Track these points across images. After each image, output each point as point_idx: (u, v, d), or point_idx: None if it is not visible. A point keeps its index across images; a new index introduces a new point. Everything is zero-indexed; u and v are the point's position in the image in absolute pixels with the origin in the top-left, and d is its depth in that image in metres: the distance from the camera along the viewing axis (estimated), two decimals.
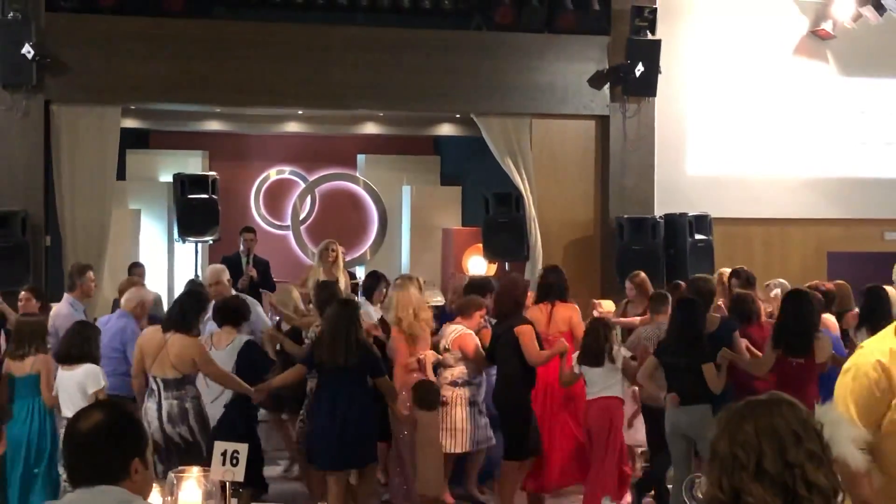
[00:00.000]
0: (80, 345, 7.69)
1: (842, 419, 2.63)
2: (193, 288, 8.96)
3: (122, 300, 9.15)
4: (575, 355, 8.53)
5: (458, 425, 8.55)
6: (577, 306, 9.53)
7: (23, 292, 9.50)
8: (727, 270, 10.65)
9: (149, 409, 7.60)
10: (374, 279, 10.20)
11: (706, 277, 9.58)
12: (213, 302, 8.93)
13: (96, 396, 7.39)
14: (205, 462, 7.10)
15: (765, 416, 2.54)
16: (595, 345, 8.33)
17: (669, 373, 8.06)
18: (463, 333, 8.61)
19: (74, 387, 7.53)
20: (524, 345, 8.19)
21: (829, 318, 9.21)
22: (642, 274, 10.46)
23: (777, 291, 10.26)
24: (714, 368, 7.91)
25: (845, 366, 3.68)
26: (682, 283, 10.33)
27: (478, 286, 9.45)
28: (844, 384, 3.58)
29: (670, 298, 9.33)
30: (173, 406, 7.57)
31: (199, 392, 7.80)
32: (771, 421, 2.52)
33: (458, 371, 8.60)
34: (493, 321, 8.91)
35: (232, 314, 8.31)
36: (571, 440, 8.87)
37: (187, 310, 7.82)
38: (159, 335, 7.71)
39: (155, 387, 7.64)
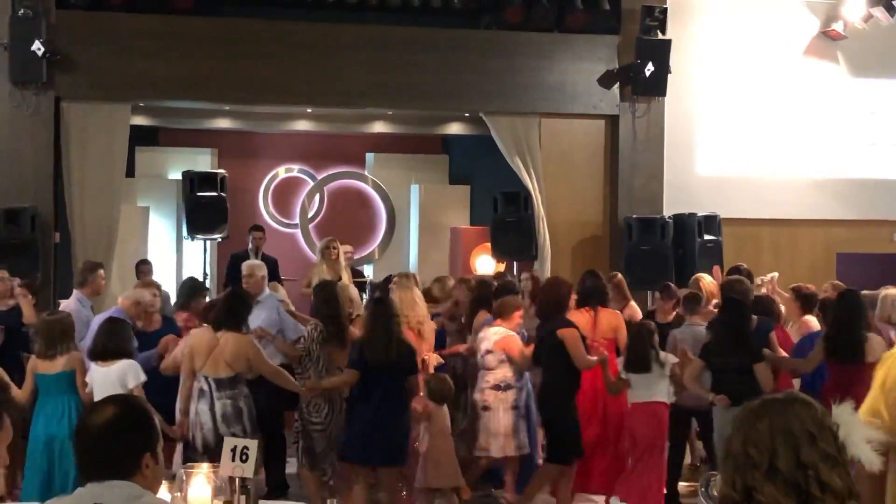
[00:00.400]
0: (115, 341, 7.73)
1: (858, 420, 2.60)
2: (236, 288, 8.91)
3: (119, 298, 9.14)
4: (620, 360, 8.49)
5: (502, 430, 8.44)
6: (619, 313, 9.52)
7: (17, 287, 9.48)
8: (705, 276, 10.63)
9: (201, 411, 7.61)
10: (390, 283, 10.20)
11: (740, 279, 9.60)
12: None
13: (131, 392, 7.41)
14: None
15: (779, 414, 2.52)
16: (641, 350, 8.26)
17: (718, 374, 8.01)
18: (507, 335, 8.50)
19: (114, 383, 7.50)
20: (570, 348, 8.13)
21: (811, 320, 9.41)
22: (619, 275, 10.49)
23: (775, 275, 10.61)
24: (766, 368, 7.93)
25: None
26: (672, 284, 10.27)
27: (507, 289, 9.45)
28: (878, 375, 3.66)
29: (703, 299, 9.35)
30: (227, 406, 7.59)
31: (249, 391, 7.79)
32: (785, 420, 2.50)
33: (501, 374, 8.47)
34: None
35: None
36: (611, 445, 8.91)
37: (236, 308, 7.85)
38: (209, 335, 7.72)
39: (206, 387, 7.64)
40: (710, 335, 8.34)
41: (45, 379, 7.82)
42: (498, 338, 8.47)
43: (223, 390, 7.61)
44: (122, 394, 5.67)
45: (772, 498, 2.47)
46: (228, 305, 7.91)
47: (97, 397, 7.40)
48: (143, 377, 7.66)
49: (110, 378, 7.55)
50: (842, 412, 2.57)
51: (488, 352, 8.47)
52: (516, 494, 8.79)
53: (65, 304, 9.42)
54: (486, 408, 8.43)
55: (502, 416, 8.42)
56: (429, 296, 9.50)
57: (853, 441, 2.55)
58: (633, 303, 10.26)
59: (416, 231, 15.87)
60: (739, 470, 2.51)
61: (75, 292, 9.50)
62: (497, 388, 8.45)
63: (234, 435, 7.30)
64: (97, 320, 8.68)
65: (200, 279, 12.93)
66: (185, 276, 12.81)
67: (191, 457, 7.56)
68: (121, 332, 7.81)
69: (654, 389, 8.20)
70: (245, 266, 9.88)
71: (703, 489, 4.32)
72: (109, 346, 7.71)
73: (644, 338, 8.31)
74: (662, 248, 12.72)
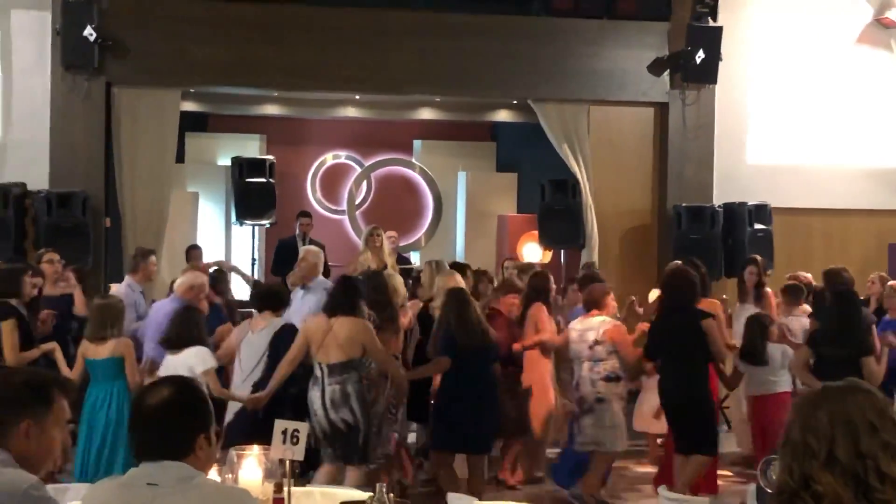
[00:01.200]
0: (187, 329, 7.75)
1: None
2: (347, 275, 8.94)
3: (175, 284, 9.18)
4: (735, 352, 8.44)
5: (618, 421, 8.32)
6: (718, 301, 9.49)
7: (69, 274, 9.50)
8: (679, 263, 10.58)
9: (313, 398, 7.58)
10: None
11: (844, 267, 9.58)
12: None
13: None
14: (364, 446, 7.39)
15: (839, 403, 2.48)
16: (751, 343, 8.21)
17: (824, 364, 7.87)
18: (615, 324, 8.39)
19: (183, 370, 7.45)
20: (713, 339, 7.99)
21: (807, 308, 9.51)
22: (595, 263, 10.43)
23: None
24: (874, 361, 7.83)
25: None
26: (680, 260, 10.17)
27: (593, 277, 9.52)
28: None
29: (805, 291, 9.34)
30: (336, 391, 7.55)
31: (361, 376, 7.75)
32: (845, 409, 2.47)
33: (611, 365, 8.32)
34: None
35: (270, 299, 8.26)
36: None
37: (350, 293, 7.83)
38: (324, 321, 7.68)
39: (319, 373, 7.61)
40: (818, 324, 8.31)
41: (94, 364, 7.83)
42: (607, 327, 8.29)
43: (334, 376, 7.55)
44: (177, 375, 5.69)
45: (829, 487, 2.43)
46: (342, 290, 7.88)
47: None
48: (211, 362, 7.67)
49: (180, 365, 7.52)
50: None
51: (597, 342, 8.28)
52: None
53: (115, 289, 9.48)
54: (600, 399, 8.25)
55: (615, 407, 8.29)
56: (513, 286, 9.50)
57: None
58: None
59: (463, 218, 15.86)
60: (797, 458, 2.48)
61: (126, 277, 9.56)
62: (608, 378, 8.28)
63: (342, 419, 7.45)
64: (158, 310, 8.72)
65: (250, 265, 13.03)
66: (233, 262, 12.90)
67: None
68: (192, 320, 7.80)
69: (772, 380, 8.08)
70: (302, 249, 9.98)
71: (762, 471, 4.30)
72: (181, 334, 7.72)
73: (754, 330, 8.26)
74: (712, 237, 12.62)
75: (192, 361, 7.54)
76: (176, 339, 7.73)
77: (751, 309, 9.94)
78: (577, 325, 8.50)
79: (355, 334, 7.59)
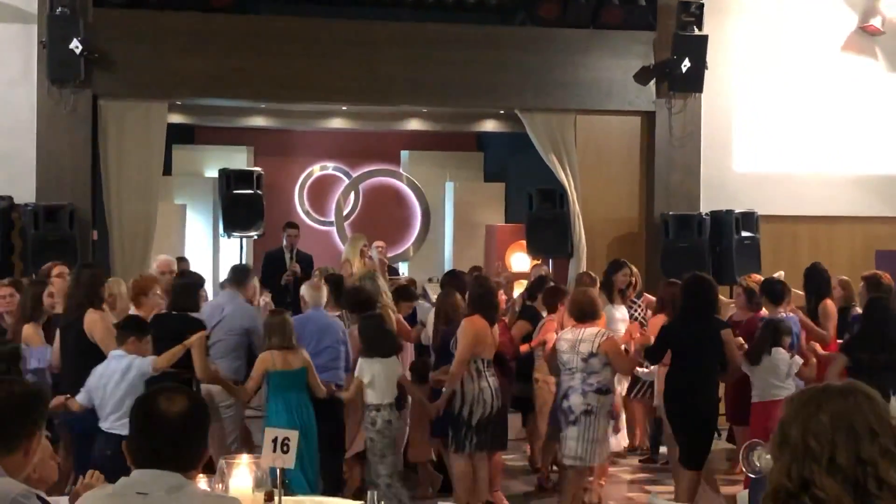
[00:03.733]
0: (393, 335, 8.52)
1: None
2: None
3: (307, 297, 9.07)
4: None
5: (601, 436, 8.21)
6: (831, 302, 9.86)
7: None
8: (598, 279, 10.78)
9: (483, 388, 8.26)
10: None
11: (883, 273, 9.82)
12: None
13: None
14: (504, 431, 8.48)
15: (841, 406, 2.47)
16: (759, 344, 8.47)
17: (866, 370, 7.78)
18: (609, 337, 8.30)
19: (396, 375, 8.31)
20: (732, 349, 8.12)
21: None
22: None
23: None
24: None
25: None
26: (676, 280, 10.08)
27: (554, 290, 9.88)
28: None
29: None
30: (495, 381, 8.37)
31: None
32: (847, 413, 2.45)
33: (604, 377, 8.18)
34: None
35: (367, 304, 8.90)
36: None
37: (494, 299, 8.68)
38: (485, 324, 8.36)
39: (482, 366, 8.31)
40: (856, 330, 8.49)
41: (284, 375, 7.95)
42: (602, 340, 8.14)
43: (490, 369, 8.38)
44: (183, 387, 5.69)
45: (832, 492, 2.42)
46: (492, 297, 8.65)
47: (378, 390, 8.13)
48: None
49: (392, 371, 8.27)
50: None
51: (592, 354, 8.12)
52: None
53: (215, 299, 9.61)
54: (588, 412, 8.08)
55: (602, 421, 8.18)
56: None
57: None
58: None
59: (451, 229, 15.86)
60: (797, 459, 2.45)
61: (229, 290, 9.40)
62: (599, 391, 8.15)
63: (503, 406, 8.45)
64: (308, 322, 8.83)
65: None
66: (221, 274, 12.84)
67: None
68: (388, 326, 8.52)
69: (777, 387, 8.30)
70: (161, 261, 10.33)
71: (744, 457, 4.32)
72: (394, 340, 8.44)
73: (766, 334, 8.51)
74: (699, 245, 12.64)
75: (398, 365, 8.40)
76: (391, 347, 8.37)
77: (622, 310, 10.49)
78: (567, 335, 8.32)
79: (496, 334, 8.51)
